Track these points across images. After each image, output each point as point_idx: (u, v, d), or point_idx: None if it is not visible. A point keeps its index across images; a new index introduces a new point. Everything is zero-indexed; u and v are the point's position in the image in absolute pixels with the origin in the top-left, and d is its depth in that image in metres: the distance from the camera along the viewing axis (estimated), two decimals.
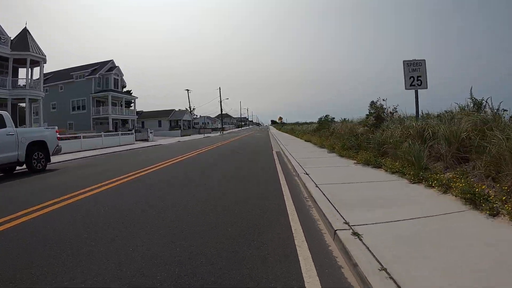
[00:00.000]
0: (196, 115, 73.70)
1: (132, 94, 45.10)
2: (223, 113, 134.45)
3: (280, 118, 56.85)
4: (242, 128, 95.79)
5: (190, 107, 56.78)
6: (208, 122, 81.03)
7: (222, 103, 55.00)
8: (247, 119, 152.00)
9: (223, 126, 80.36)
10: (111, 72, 37.11)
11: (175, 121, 51.49)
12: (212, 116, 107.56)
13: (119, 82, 38.49)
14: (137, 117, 39.47)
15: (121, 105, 39.74)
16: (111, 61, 38.53)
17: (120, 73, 38.58)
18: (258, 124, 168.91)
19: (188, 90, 57.61)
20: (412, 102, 7.59)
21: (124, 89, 45.51)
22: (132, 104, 42.85)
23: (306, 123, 41.83)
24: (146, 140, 27.88)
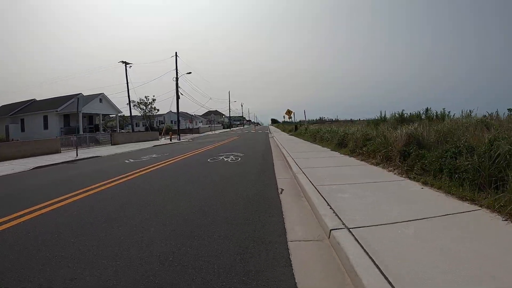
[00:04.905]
0: (156, 110, 48.07)
1: None
2: (213, 110, 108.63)
3: (289, 112, 31.14)
4: (233, 129, 69.69)
5: (128, 93, 30.96)
6: (173, 121, 55.03)
7: (183, 88, 29.46)
8: (243, 117, 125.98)
9: (197, 126, 54.61)
10: None
11: (76, 116, 25.57)
12: (198, 114, 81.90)
13: None
14: None
15: None
16: None
17: None
18: (256, 124, 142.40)
19: (125, 62, 32.13)
20: None
21: None
22: None
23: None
24: None
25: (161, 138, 28.18)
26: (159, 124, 54.27)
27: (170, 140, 24.31)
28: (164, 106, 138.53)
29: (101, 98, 26.19)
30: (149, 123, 50.97)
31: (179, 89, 27.75)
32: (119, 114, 28.58)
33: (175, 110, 63.19)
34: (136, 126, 61.46)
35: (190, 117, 56.00)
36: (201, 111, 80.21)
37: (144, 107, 47.28)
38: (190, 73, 27.46)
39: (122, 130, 47.00)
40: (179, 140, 25.72)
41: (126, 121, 71.49)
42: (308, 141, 14.50)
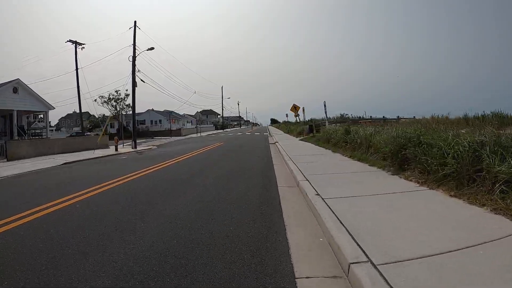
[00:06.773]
0: (130, 108, 39.50)
1: None
2: (207, 109, 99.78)
3: (296, 109, 22.91)
4: (227, 130, 61.28)
5: (78, 82, 22.61)
6: (158, 121, 46.36)
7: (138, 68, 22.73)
8: (241, 117, 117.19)
9: (180, 127, 46.13)
10: None
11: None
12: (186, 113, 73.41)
13: None
14: None
15: None
16: None
17: None
18: (255, 124, 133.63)
19: (75, 42, 24.06)
20: None
21: None
22: None
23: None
24: None
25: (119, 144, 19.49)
26: (138, 125, 45.90)
27: (116, 150, 15.93)
28: (160, 107, 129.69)
29: (16, 87, 17.60)
30: (120, 123, 42.39)
31: (140, 75, 19.29)
32: (49, 110, 20.03)
33: (156, 109, 54.29)
34: (111, 128, 53.03)
35: (169, 115, 46.99)
36: (194, 111, 71.64)
37: (116, 104, 38.71)
38: (152, 48, 19.00)
39: (88, 133, 38.70)
40: (134, 148, 17.38)
41: (111, 120, 62.65)
42: (374, 166, 5.88)
